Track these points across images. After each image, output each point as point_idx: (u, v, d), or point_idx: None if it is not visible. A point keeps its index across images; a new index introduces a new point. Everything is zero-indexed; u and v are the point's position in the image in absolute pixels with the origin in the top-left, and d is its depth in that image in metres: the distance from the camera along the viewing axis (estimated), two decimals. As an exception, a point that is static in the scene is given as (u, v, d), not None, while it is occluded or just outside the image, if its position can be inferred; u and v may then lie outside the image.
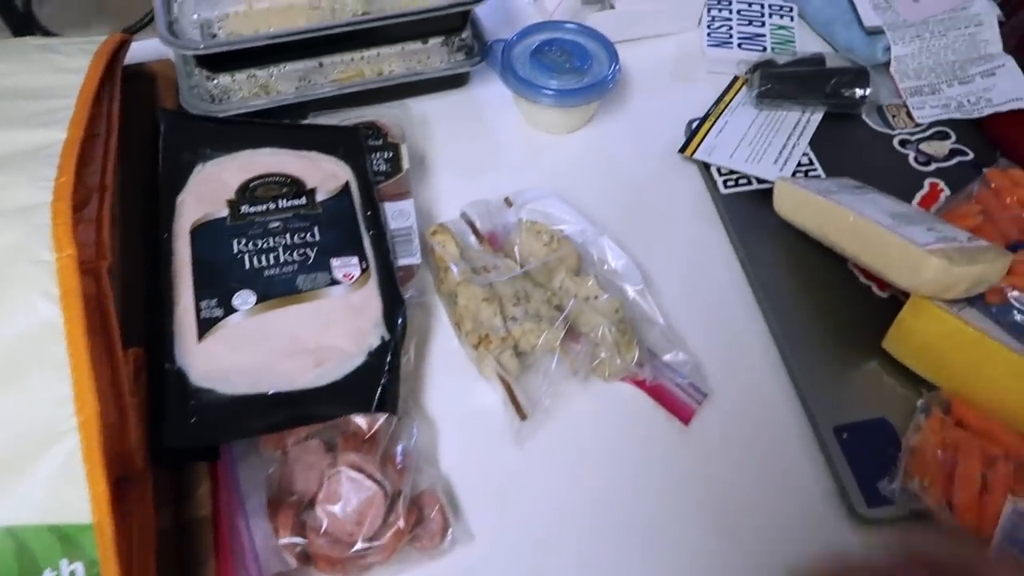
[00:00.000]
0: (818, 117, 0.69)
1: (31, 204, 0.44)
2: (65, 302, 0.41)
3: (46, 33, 1.28)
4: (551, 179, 0.65)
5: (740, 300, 0.59)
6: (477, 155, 0.68)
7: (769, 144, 0.67)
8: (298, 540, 0.44)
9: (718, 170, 0.66)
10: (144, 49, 0.64)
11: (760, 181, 0.64)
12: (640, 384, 0.53)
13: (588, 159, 0.69)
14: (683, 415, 0.52)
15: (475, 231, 0.59)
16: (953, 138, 0.68)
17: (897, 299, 0.56)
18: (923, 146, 0.68)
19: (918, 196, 0.64)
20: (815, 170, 0.66)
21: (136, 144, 0.60)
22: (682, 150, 0.68)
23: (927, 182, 0.65)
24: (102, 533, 0.36)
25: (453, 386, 0.54)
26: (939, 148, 0.67)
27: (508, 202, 0.60)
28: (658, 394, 0.53)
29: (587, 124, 0.71)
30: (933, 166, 0.66)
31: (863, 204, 0.54)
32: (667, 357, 0.54)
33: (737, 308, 0.59)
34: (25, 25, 1.24)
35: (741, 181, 0.65)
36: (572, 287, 0.55)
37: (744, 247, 0.61)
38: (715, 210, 0.65)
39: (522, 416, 0.50)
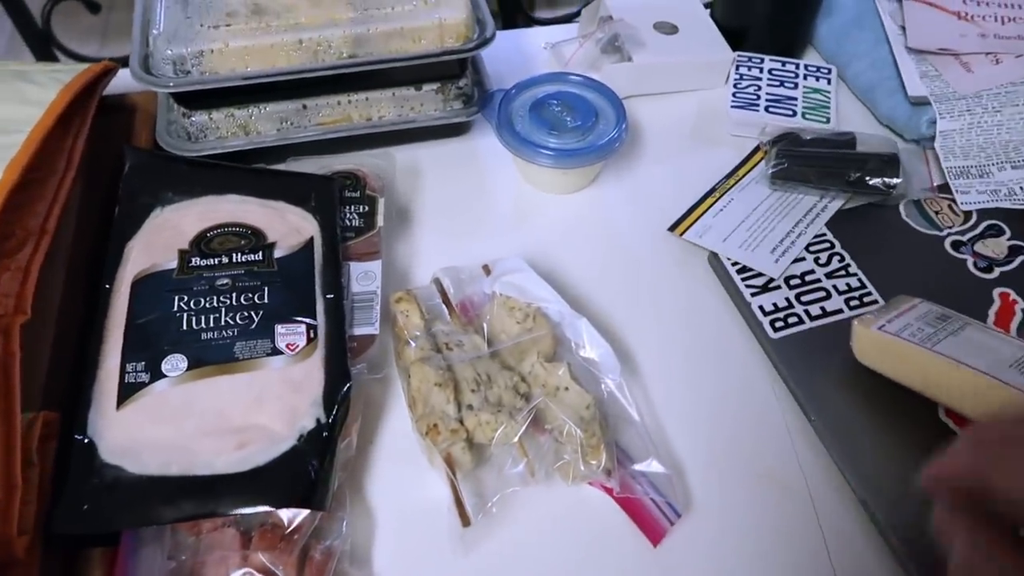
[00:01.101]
0: (836, 205, 0.62)
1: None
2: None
3: (62, 50, 1.29)
4: (542, 243, 0.60)
5: (770, 424, 0.52)
6: (465, 210, 0.63)
7: (772, 230, 0.60)
8: (192, 649, 0.39)
9: (746, 285, 0.57)
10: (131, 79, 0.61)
11: (811, 317, 0.55)
12: (609, 491, 0.47)
13: (585, 225, 0.63)
14: (653, 534, 0.46)
15: (446, 300, 0.54)
16: (1008, 233, 0.60)
17: None
18: (978, 247, 0.59)
19: (991, 313, 0.55)
20: (850, 266, 0.58)
21: (101, 181, 0.57)
22: (672, 228, 0.61)
23: (996, 292, 0.56)
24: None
25: (401, 474, 0.49)
26: (997, 247, 0.59)
27: (487, 269, 0.55)
28: (628, 506, 0.47)
29: (590, 184, 0.65)
30: (996, 271, 0.58)
31: (968, 349, 0.47)
32: (640, 466, 0.47)
33: (765, 431, 0.52)
34: (43, 42, 1.25)
35: (792, 319, 0.55)
36: (542, 374, 0.49)
37: (800, 389, 0.52)
38: (737, 316, 0.57)
39: (465, 522, 0.44)
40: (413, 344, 0.49)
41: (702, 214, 0.62)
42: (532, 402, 0.47)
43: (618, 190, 0.65)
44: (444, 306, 0.54)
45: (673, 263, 0.60)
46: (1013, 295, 0.56)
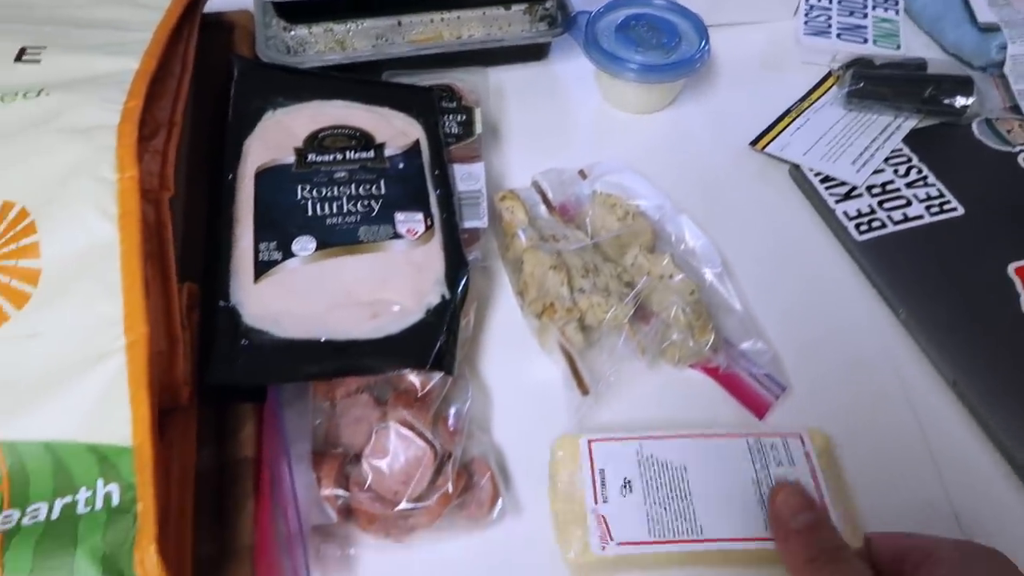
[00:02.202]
0: (910, 124, 0.64)
1: (97, 124, 0.43)
2: (123, 222, 0.40)
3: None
4: (627, 160, 0.62)
5: (858, 319, 0.54)
6: (551, 129, 0.65)
7: (850, 145, 0.63)
8: (341, 492, 0.42)
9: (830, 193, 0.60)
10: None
11: (894, 222, 0.58)
12: (712, 372, 0.50)
13: (666, 143, 0.65)
14: (757, 408, 0.49)
15: (546, 201, 0.56)
16: (1081, 151, 0.63)
17: None
18: None
19: None
20: (928, 177, 0.60)
21: (207, 91, 0.59)
22: (754, 143, 0.64)
23: None
24: (141, 457, 0.34)
25: (511, 357, 0.51)
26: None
27: (583, 174, 0.58)
28: (731, 384, 0.49)
29: (668, 107, 0.68)
30: None
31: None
32: (744, 345, 0.50)
33: (854, 325, 0.54)
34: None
35: (875, 224, 0.58)
36: (645, 264, 0.51)
37: (888, 287, 0.55)
38: (820, 224, 0.60)
39: (584, 391, 0.47)
40: (523, 234, 0.52)
41: (781, 131, 0.64)
42: (639, 287, 0.50)
43: (697, 110, 0.68)
44: (544, 206, 0.56)
45: (755, 176, 0.63)
46: (1084, 204, 0.59)
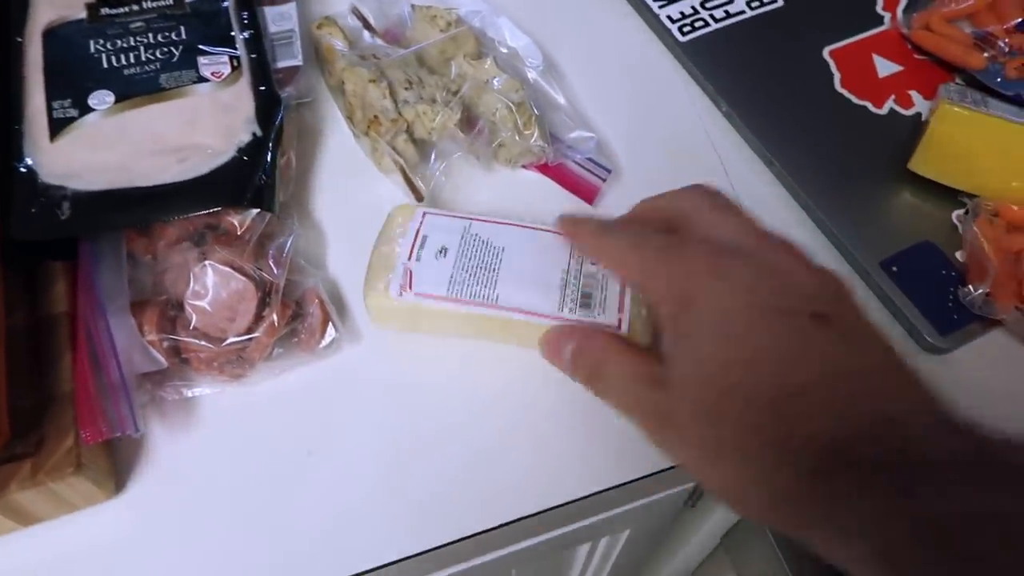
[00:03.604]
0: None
1: None
2: None
3: None
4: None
5: (683, 116, 0.55)
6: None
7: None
8: (166, 335, 0.41)
9: None
10: None
11: (716, 20, 0.58)
12: (543, 168, 0.50)
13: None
14: (587, 194, 0.50)
15: (367, 26, 0.55)
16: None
17: (897, 114, 0.53)
18: None
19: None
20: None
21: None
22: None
23: None
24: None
25: (347, 186, 0.51)
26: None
27: (402, -12, 0.56)
28: (560, 175, 0.50)
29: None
30: None
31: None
32: (571, 136, 0.50)
33: (680, 121, 0.55)
34: None
35: (698, 24, 0.58)
36: (469, 70, 0.51)
37: (712, 83, 0.55)
38: (647, 31, 0.60)
39: (418, 196, 0.47)
40: (341, 58, 0.51)
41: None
42: (462, 91, 0.49)
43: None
44: (366, 31, 0.55)
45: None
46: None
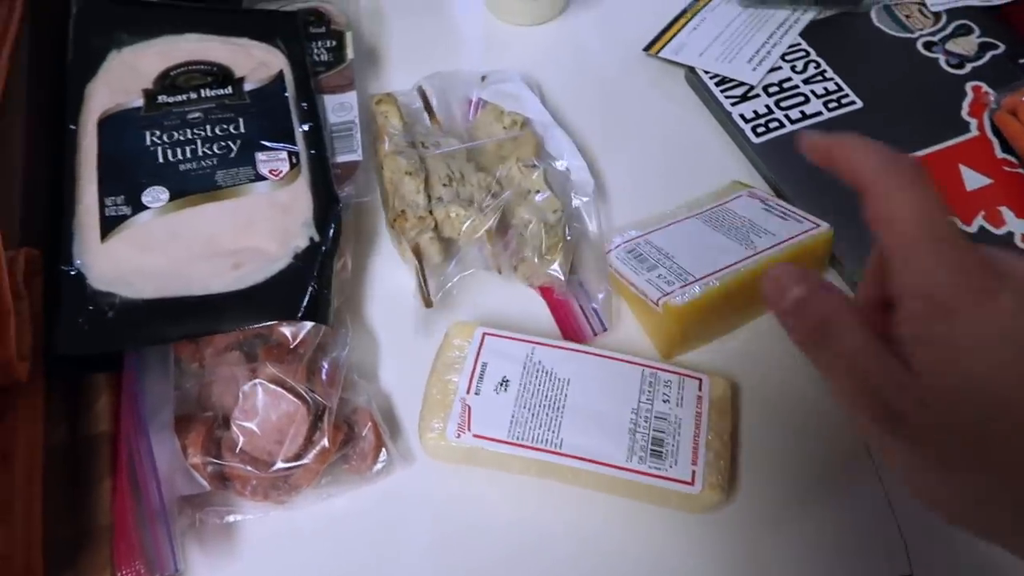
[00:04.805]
0: (808, 17, 0.61)
1: None
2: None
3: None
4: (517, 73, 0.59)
5: None
6: (434, 47, 0.61)
7: (747, 43, 0.60)
8: (210, 459, 0.39)
9: (724, 95, 0.57)
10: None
11: (791, 121, 0.56)
12: (546, 293, 0.48)
13: (557, 53, 0.61)
14: (572, 335, 0.47)
15: (428, 107, 0.53)
16: (977, 31, 0.60)
17: (988, 233, 0.50)
18: (949, 45, 0.59)
19: (965, 104, 0.56)
20: (826, 72, 0.58)
21: (45, 32, 0.54)
22: (647, 48, 0.60)
23: (968, 87, 0.57)
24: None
25: (400, 287, 0.48)
26: (967, 45, 0.59)
27: (485, 80, 0.54)
28: (557, 308, 0.47)
29: (558, 16, 0.64)
30: (968, 67, 0.58)
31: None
32: (587, 276, 0.48)
33: None
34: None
35: (772, 124, 0.56)
36: (516, 176, 0.48)
37: (786, 186, 0.53)
38: (718, 129, 0.57)
39: (426, 303, 0.45)
40: (388, 140, 0.49)
41: (676, 33, 0.61)
42: (501, 197, 0.47)
43: (587, 17, 0.64)
44: (425, 112, 0.53)
45: (649, 84, 0.60)
46: (984, 88, 0.57)
